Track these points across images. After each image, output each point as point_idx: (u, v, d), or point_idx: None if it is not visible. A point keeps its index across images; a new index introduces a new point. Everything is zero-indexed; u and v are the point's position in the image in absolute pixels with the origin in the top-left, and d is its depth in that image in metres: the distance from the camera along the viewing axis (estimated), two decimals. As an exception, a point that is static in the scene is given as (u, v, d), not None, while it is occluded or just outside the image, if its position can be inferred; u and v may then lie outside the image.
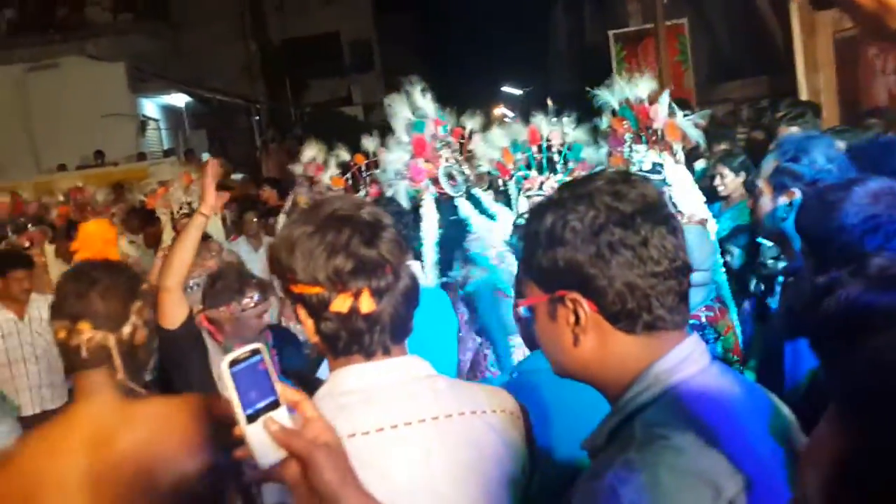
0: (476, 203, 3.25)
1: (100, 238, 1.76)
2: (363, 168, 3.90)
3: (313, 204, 1.31)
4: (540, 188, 3.26)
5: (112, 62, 15.90)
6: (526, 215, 1.12)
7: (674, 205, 3.36)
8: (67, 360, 1.66)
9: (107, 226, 1.77)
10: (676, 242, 1.05)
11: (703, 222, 3.44)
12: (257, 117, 20.45)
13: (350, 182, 4.19)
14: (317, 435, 0.95)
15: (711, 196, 4.00)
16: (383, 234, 1.23)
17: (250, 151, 19.09)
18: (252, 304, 2.86)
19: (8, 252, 4.84)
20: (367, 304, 1.20)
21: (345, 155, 4.23)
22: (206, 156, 16.35)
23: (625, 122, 3.55)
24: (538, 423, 1.40)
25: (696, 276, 3.38)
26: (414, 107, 3.38)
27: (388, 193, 3.38)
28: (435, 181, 3.23)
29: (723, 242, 3.77)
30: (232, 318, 2.84)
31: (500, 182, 3.56)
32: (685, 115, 3.59)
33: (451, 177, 3.21)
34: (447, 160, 3.23)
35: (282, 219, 4.73)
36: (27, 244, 5.43)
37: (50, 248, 5.59)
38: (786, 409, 1.12)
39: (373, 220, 1.25)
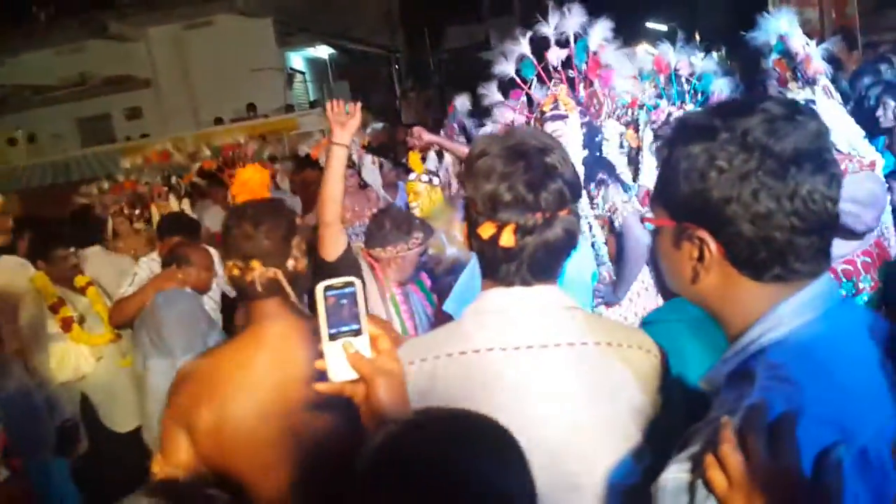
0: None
1: (257, 181, 1.89)
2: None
3: (511, 129, 1.35)
4: (667, 121, 3.13)
5: (260, 18, 16.52)
6: (667, 134, 1.06)
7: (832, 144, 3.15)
8: (241, 292, 1.85)
9: (261, 169, 1.90)
10: (829, 194, 0.96)
11: (872, 165, 3.20)
12: (396, 66, 20.72)
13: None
14: (382, 364, 1.12)
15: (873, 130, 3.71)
16: (550, 184, 1.25)
17: (390, 101, 19.43)
18: (417, 244, 2.95)
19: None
20: (507, 239, 1.24)
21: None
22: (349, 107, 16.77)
23: (785, 60, 3.35)
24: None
25: (865, 224, 3.13)
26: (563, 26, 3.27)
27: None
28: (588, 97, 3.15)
29: (886, 179, 3.50)
30: (398, 257, 2.92)
31: (629, 113, 3.43)
32: (817, 45, 3.33)
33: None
34: (564, 92, 3.14)
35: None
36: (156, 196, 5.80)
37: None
38: None
39: (550, 164, 1.26)
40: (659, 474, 0.97)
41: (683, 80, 3.43)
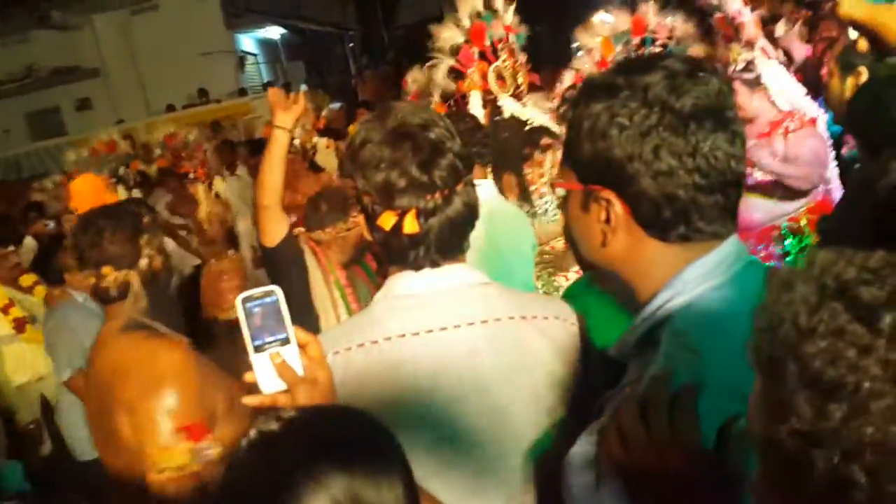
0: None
1: (91, 189, 1.94)
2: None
3: (385, 109, 1.29)
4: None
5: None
6: (573, 96, 1.06)
7: (773, 103, 3.18)
8: (100, 298, 1.91)
9: (93, 178, 1.95)
10: (732, 152, 0.95)
11: (813, 122, 3.22)
12: (351, 44, 20.46)
13: (454, 109, 4.13)
14: (308, 373, 1.10)
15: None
16: (441, 160, 1.22)
17: (346, 79, 19.20)
18: (357, 223, 2.88)
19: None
20: (410, 225, 1.21)
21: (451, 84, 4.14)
22: (303, 87, 16.59)
23: (726, 19, 3.34)
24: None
25: (811, 182, 3.15)
26: (489, 5, 3.27)
27: (431, 67, 3.31)
28: (483, 77, 3.12)
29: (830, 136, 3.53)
30: (337, 238, 2.88)
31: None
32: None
33: (500, 77, 3.09)
34: (504, 61, 3.11)
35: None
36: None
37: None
38: None
39: (436, 140, 1.23)
40: None
41: (659, 44, 3.40)
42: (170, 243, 4.96)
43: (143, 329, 1.86)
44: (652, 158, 0.94)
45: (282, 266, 2.53)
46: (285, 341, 1.10)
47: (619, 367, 1.09)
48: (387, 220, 1.22)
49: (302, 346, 1.11)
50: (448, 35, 3.26)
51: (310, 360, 1.11)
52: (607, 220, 1.00)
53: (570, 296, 1.73)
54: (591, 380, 1.33)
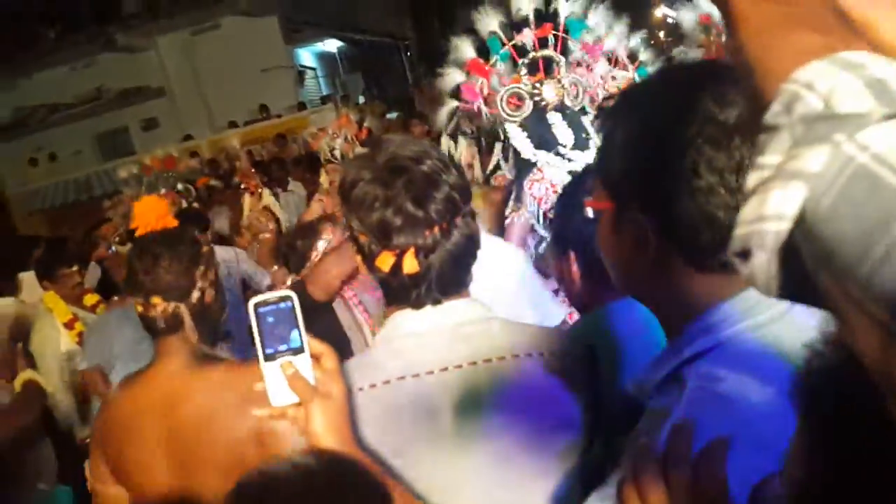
0: (546, 128, 2.73)
1: (153, 212, 1.83)
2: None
3: (376, 144, 1.22)
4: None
5: (265, 17, 16.47)
6: (611, 106, 0.94)
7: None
8: (147, 328, 1.79)
9: (157, 200, 1.85)
10: None
11: None
12: (408, 54, 20.58)
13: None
14: (321, 386, 1.02)
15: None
16: (436, 194, 1.14)
17: (404, 90, 19.31)
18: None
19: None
20: (409, 265, 1.13)
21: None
22: (361, 99, 16.73)
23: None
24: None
25: None
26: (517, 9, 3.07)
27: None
28: (487, 102, 2.89)
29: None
30: None
31: None
32: None
33: (519, 97, 2.82)
34: (525, 79, 2.84)
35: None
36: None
37: None
38: None
39: (430, 173, 1.15)
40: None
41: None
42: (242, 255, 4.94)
43: (215, 358, 1.79)
44: (691, 175, 0.82)
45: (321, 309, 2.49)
46: (298, 350, 1.03)
47: (639, 409, 0.97)
48: (385, 261, 1.14)
49: (315, 357, 1.04)
50: (446, 80, 3.08)
51: (323, 372, 1.04)
52: (639, 244, 0.88)
53: (579, 330, 1.62)
54: (610, 422, 1.22)
